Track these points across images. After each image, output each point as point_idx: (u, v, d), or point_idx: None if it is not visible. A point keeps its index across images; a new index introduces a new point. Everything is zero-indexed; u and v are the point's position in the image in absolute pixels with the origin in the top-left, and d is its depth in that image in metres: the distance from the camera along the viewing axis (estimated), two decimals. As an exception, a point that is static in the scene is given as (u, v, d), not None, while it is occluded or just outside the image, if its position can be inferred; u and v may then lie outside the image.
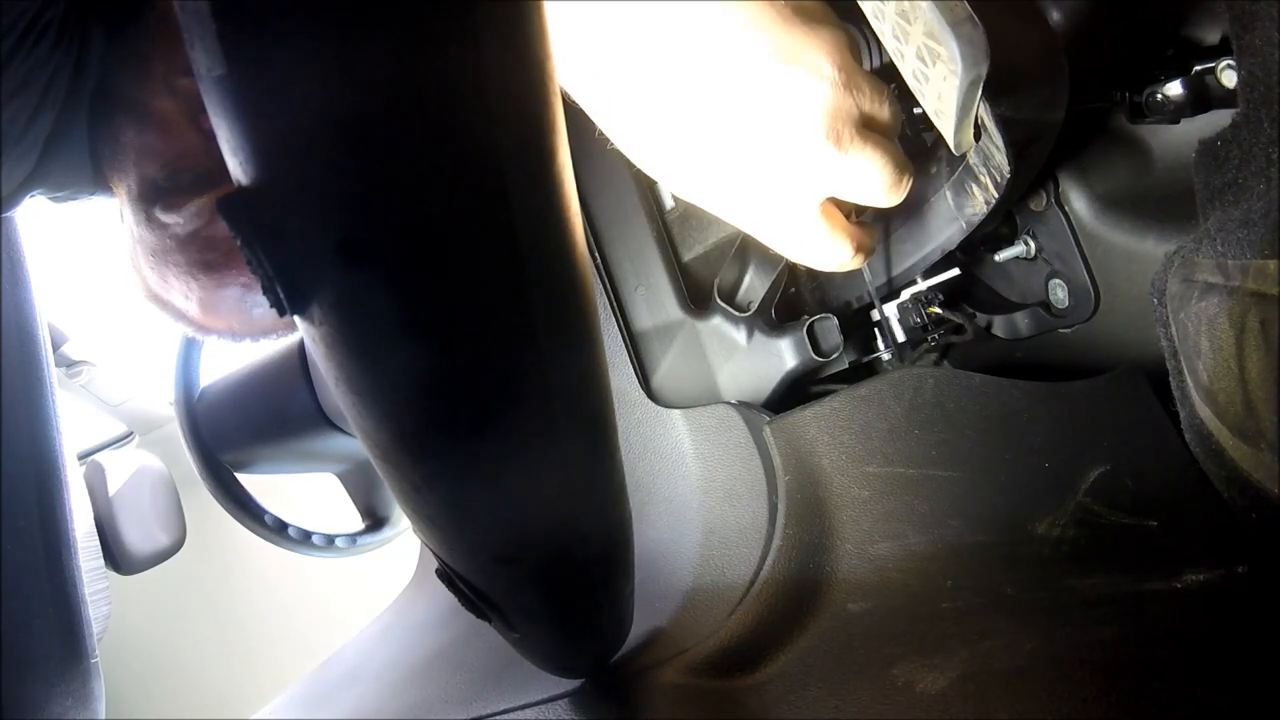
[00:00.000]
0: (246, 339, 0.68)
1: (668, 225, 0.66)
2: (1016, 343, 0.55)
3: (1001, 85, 0.34)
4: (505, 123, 0.22)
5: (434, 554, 0.38)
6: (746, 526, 0.58)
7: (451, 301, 0.24)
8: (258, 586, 1.83)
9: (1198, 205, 0.34)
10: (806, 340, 0.59)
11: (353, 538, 1.04)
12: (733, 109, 0.38)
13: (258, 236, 0.22)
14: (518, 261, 0.24)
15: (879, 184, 0.39)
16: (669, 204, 0.66)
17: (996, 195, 0.40)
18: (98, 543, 1.04)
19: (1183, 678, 0.35)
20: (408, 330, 0.24)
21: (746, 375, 0.63)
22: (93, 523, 1.04)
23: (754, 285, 0.64)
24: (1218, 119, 0.37)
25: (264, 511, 0.98)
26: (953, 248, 0.47)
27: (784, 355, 0.61)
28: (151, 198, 0.57)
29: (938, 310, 0.54)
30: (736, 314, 0.63)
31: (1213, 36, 0.39)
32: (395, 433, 0.28)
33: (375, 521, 1.07)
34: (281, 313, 0.24)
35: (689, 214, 0.66)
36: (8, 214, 0.60)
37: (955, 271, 0.53)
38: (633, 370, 0.66)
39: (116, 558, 1.05)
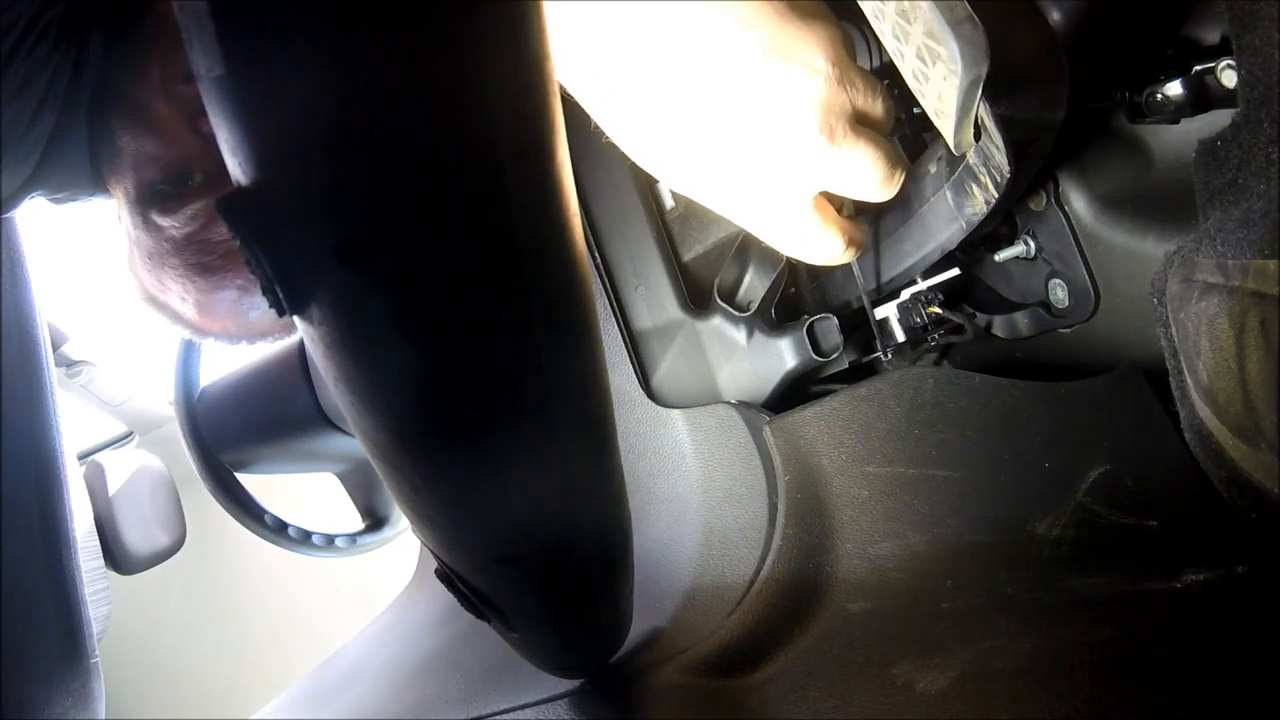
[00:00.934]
0: (243, 341, 0.68)
1: (668, 225, 0.66)
2: (1016, 343, 0.55)
3: (1001, 85, 0.34)
4: (505, 123, 0.22)
5: (433, 554, 0.38)
6: (746, 526, 0.58)
7: (451, 302, 0.24)
8: (258, 586, 1.83)
9: (1198, 205, 0.34)
10: (806, 340, 0.59)
11: (353, 538, 1.04)
12: (728, 104, 0.38)
13: (257, 237, 0.22)
14: (517, 262, 0.24)
15: (871, 179, 0.40)
16: (669, 204, 0.66)
17: (996, 195, 0.40)
18: (98, 543, 1.04)
19: (1183, 678, 0.35)
20: (407, 331, 0.24)
21: (746, 375, 0.63)
22: (93, 523, 1.04)
23: (754, 285, 0.64)
24: (1218, 119, 0.37)
25: (264, 511, 0.98)
26: (953, 248, 0.47)
27: (784, 355, 0.61)
28: (148, 200, 0.57)
29: (938, 310, 0.54)
30: (736, 314, 0.63)
31: (1213, 36, 0.39)
32: (394, 433, 0.28)
33: (375, 521, 1.07)
34: (281, 313, 0.24)
35: (689, 214, 0.66)
36: (7, 215, 0.60)
37: (955, 271, 0.53)
38: (633, 370, 0.66)
39: (116, 558, 1.05)
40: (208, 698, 1.87)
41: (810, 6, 0.38)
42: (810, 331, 0.59)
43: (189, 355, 1.00)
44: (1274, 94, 0.29)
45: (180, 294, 0.63)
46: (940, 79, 0.34)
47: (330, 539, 1.02)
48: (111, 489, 1.06)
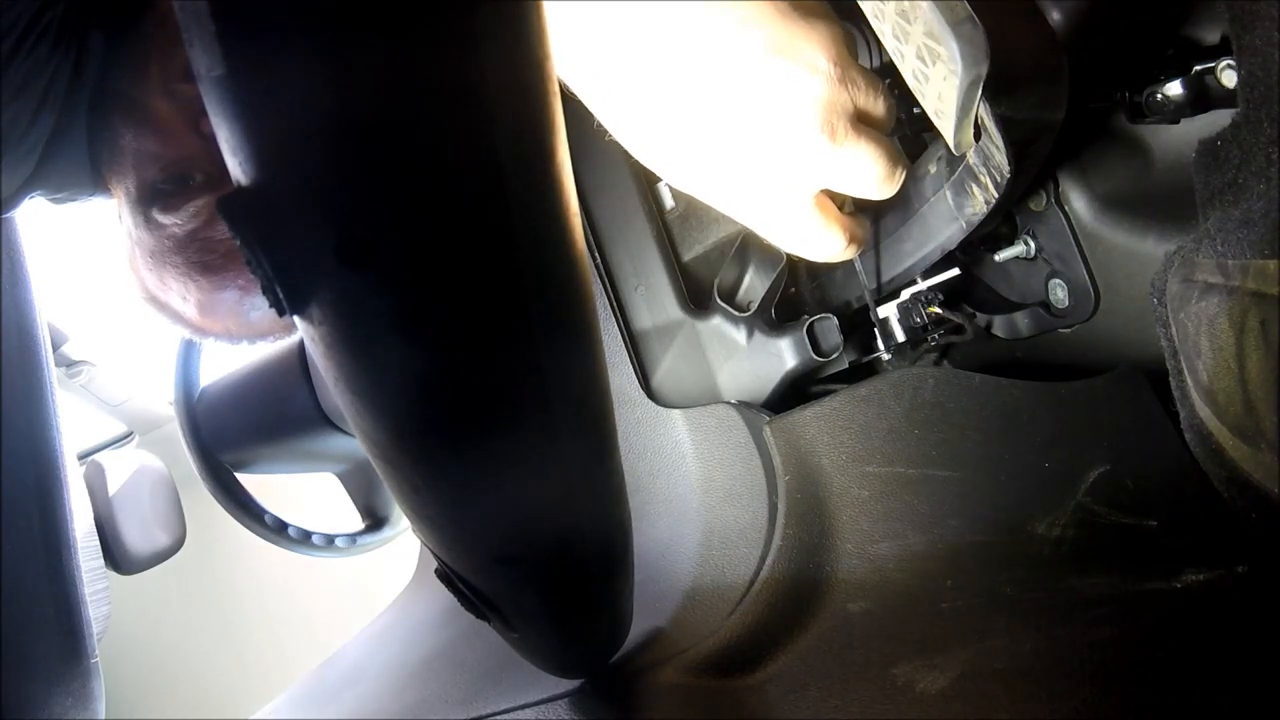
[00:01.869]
0: (244, 341, 0.68)
1: (668, 225, 0.66)
2: (1016, 343, 0.55)
3: (1001, 85, 0.34)
4: (505, 123, 0.22)
5: (433, 554, 0.38)
6: (746, 526, 0.58)
7: (450, 302, 0.24)
8: (258, 586, 1.83)
9: (1198, 205, 0.34)
10: (806, 340, 0.59)
11: (353, 538, 1.04)
12: (729, 103, 0.38)
13: (257, 236, 0.22)
14: (517, 262, 0.24)
15: (872, 177, 0.40)
16: (669, 204, 0.66)
17: (996, 195, 0.40)
18: (98, 543, 1.04)
19: (1183, 678, 0.35)
20: (406, 331, 0.24)
21: (746, 375, 0.63)
22: (93, 523, 1.04)
23: (754, 285, 0.64)
24: (1218, 119, 0.37)
25: (264, 511, 0.98)
26: (953, 248, 0.47)
27: (784, 355, 0.61)
28: (150, 200, 0.57)
29: (938, 310, 0.54)
30: (736, 314, 0.63)
31: (1213, 36, 0.39)
32: (394, 433, 0.28)
33: (375, 521, 1.07)
34: (281, 313, 0.24)
35: (689, 214, 0.66)
36: (7, 215, 0.60)
37: (955, 271, 0.53)
38: (633, 370, 0.66)
39: (116, 558, 1.05)
40: (208, 698, 1.87)
41: (812, 6, 0.38)
42: (810, 331, 0.59)
43: (189, 355, 1.00)
44: (1274, 94, 0.29)
45: (181, 294, 0.63)
46: (940, 79, 0.34)
47: (330, 539, 1.02)
48: (111, 489, 1.06)
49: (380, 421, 0.27)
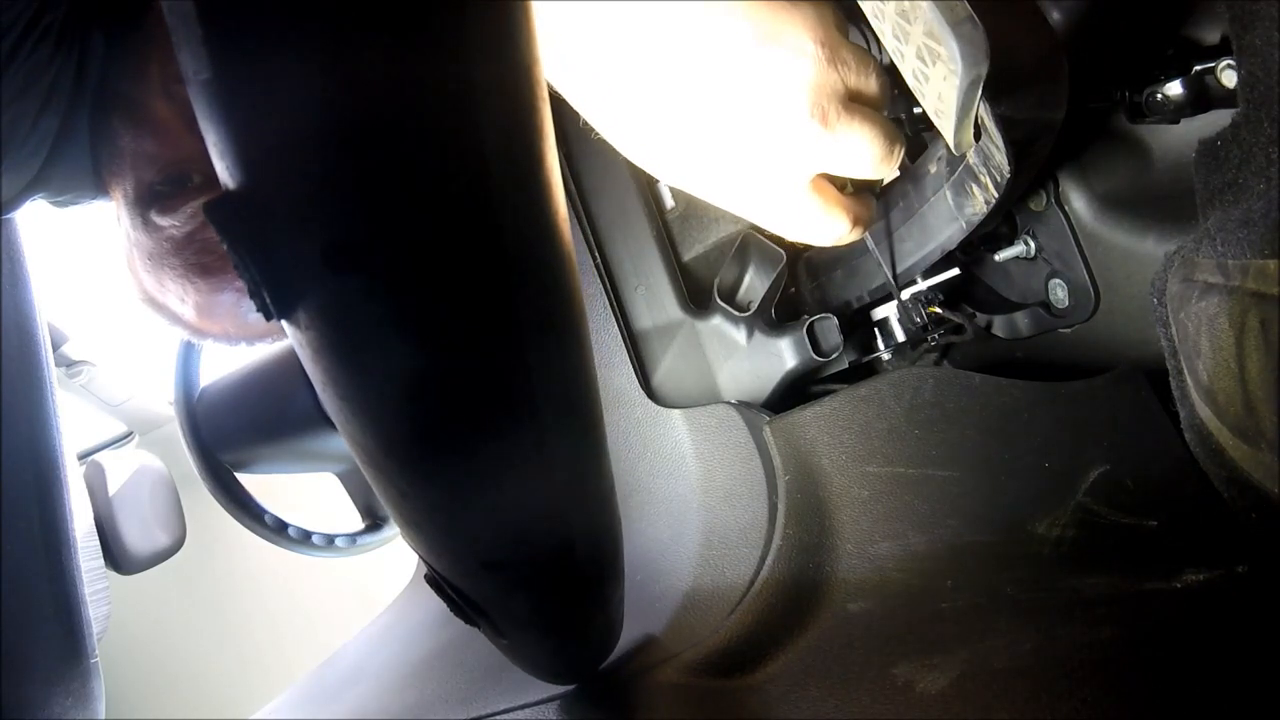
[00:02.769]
0: (242, 343, 0.68)
1: (668, 225, 0.66)
2: (1016, 343, 0.55)
3: (1001, 85, 0.34)
4: (492, 128, 0.22)
5: (422, 559, 0.38)
6: (746, 526, 0.58)
7: (437, 307, 0.24)
8: (258, 586, 1.83)
9: (1198, 205, 0.34)
10: (806, 340, 0.59)
11: (353, 538, 1.04)
12: (717, 93, 0.38)
13: (244, 240, 0.22)
14: (504, 267, 0.24)
15: (869, 157, 0.39)
16: (669, 204, 0.66)
17: (996, 195, 0.40)
18: (98, 543, 1.04)
19: (1183, 678, 0.35)
20: (393, 335, 0.24)
21: (746, 375, 0.63)
22: (93, 523, 1.04)
23: (754, 285, 0.64)
24: (1218, 119, 0.37)
25: (264, 511, 0.98)
26: (953, 248, 0.47)
27: (784, 355, 0.61)
28: (147, 201, 0.57)
29: (938, 310, 0.54)
30: (736, 314, 0.63)
31: (1213, 36, 0.39)
32: (381, 438, 0.28)
33: (375, 521, 1.07)
34: (268, 317, 0.24)
35: (689, 214, 0.66)
36: (8, 216, 0.60)
37: (955, 271, 0.53)
38: (633, 370, 0.66)
39: (116, 558, 1.05)
40: (208, 698, 1.87)
41: None
42: (810, 331, 0.59)
43: (189, 355, 1.00)
44: (1274, 94, 0.29)
45: (179, 295, 0.63)
46: (940, 79, 0.34)
47: (330, 539, 1.02)
48: (111, 489, 1.06)
49: (367, 426, 0.27)
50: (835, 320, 0.59)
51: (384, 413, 0.27)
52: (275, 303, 0.23)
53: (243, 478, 1.00)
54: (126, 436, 1.68)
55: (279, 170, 0.21)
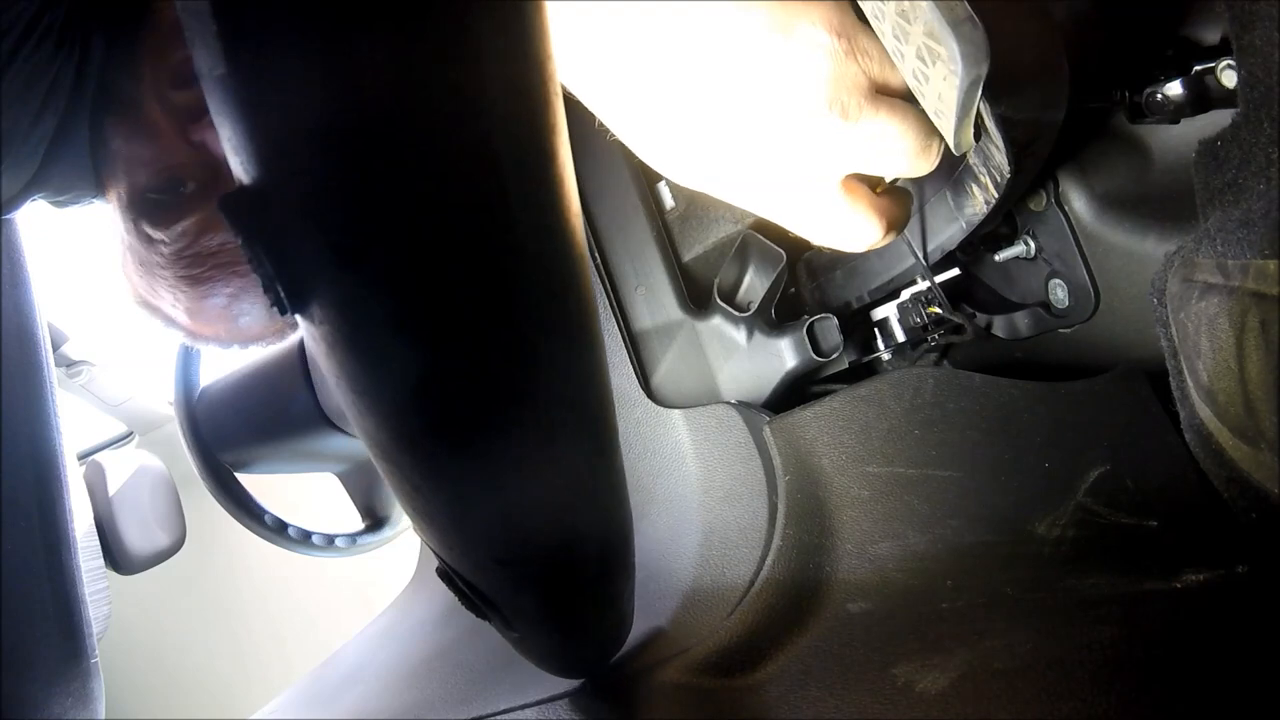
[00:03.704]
0: (235, 346, 0.68)
1: (668, 225, 0.66)
2: (1016, 343, 0.55)
3: (1001, 85, 0.34)
4: (506, 123, 0.22)
5: (434, 552, 0.38)
6: (746, 526, 0.58)
7: (452, 302, 0.24)
8: (258, 586, 1.83)
9: (1198, 205, 0.34)
10: (806, 340, 0.59)
11: (353, 538, 1.04)
12: (734, 91, 0.37)
13: (259, 235, 0.22)
14: (519, 262, 0.24)
15: (902, 150, 0.37)
16: (669, 204, 0.66)
17: (996, 195, 0.40)
18: (98, 543, 1.04)
19: (1183, 678, 0.35)
20: (408, 330, 0.24)
21: (746, 375, 0.63)
22: (93, 523, 1.04)
23: (754, 285, 0.64)
24: (1218, 119, 0.37)
25: (264, 511, 0.98)
26: (953, 248, 0.47)
27: (784, 355, 0.61)
28: (140, 210, 0.57)
29: (938, 310, 0.54)
30: (736, 314, 0.63)
31: (1213, 36, 0.39)
32: (395, 432, 0.28)
33: (375, 521, 1.07)
34: (283, 312, 0.24)
35: (689, 214, 0.66)
36: (8, 216, 0.60)
37: (955, 271, 0.53)
38: (633, 370, 0.66)
39: (116, 558, 1.05)
40: (208, 698, 1.87)
41: None
42: (810, 331, 0.59)
43: (189, 355, 1.00)
44: (1274, 94, 0.29)
45: (172, 301, 0.63)
46: (940, 79, 0.34)
47: (330, 539, 1.02)
48: (111, 489, 1.06)
49: (381, 421, 0.27)
50: (835, 320, 0.59)
51: (399, 407, 0.27)
52: (290, 297, 0.23)
53: (243, 478, 1.00)
54: (126, 436, 1.68)
55: (293, 165, 0.21)
